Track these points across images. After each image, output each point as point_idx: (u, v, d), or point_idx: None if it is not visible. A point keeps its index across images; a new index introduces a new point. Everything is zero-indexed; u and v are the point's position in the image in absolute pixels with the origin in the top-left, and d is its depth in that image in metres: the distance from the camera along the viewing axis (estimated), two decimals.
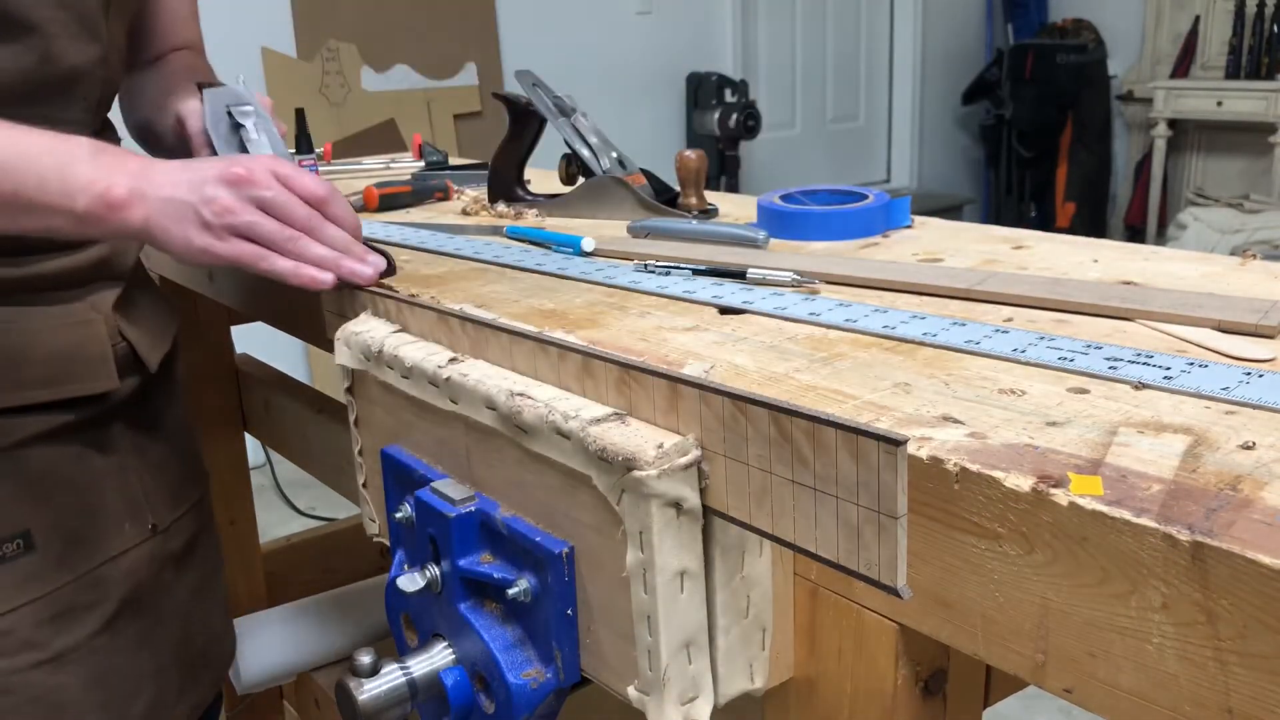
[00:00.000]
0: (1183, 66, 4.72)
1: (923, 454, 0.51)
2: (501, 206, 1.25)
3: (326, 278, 0.78)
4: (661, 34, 4.06)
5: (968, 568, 0.50)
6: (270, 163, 0.78)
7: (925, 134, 5.13)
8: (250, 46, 3.10)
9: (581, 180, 1.19)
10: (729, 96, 4.10)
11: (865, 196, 1.02)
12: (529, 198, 1.23)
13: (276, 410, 1.41)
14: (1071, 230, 3.85)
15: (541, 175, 1.43)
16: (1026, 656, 0.48)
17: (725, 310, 0.76)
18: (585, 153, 1.19)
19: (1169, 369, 0.60)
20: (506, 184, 1.23)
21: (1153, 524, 0.42)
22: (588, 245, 1.01)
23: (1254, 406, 0.54)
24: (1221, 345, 0.64)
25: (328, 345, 0.86)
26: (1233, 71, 4.49)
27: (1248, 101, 4.39)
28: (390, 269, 0.83)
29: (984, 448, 0.51)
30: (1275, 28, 4.38)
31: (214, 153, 0.91)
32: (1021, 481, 0.47)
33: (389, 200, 1.31)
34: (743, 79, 4.22)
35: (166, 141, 1.01)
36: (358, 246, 0.81)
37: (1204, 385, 0.56)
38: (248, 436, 1.57)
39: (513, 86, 1.38)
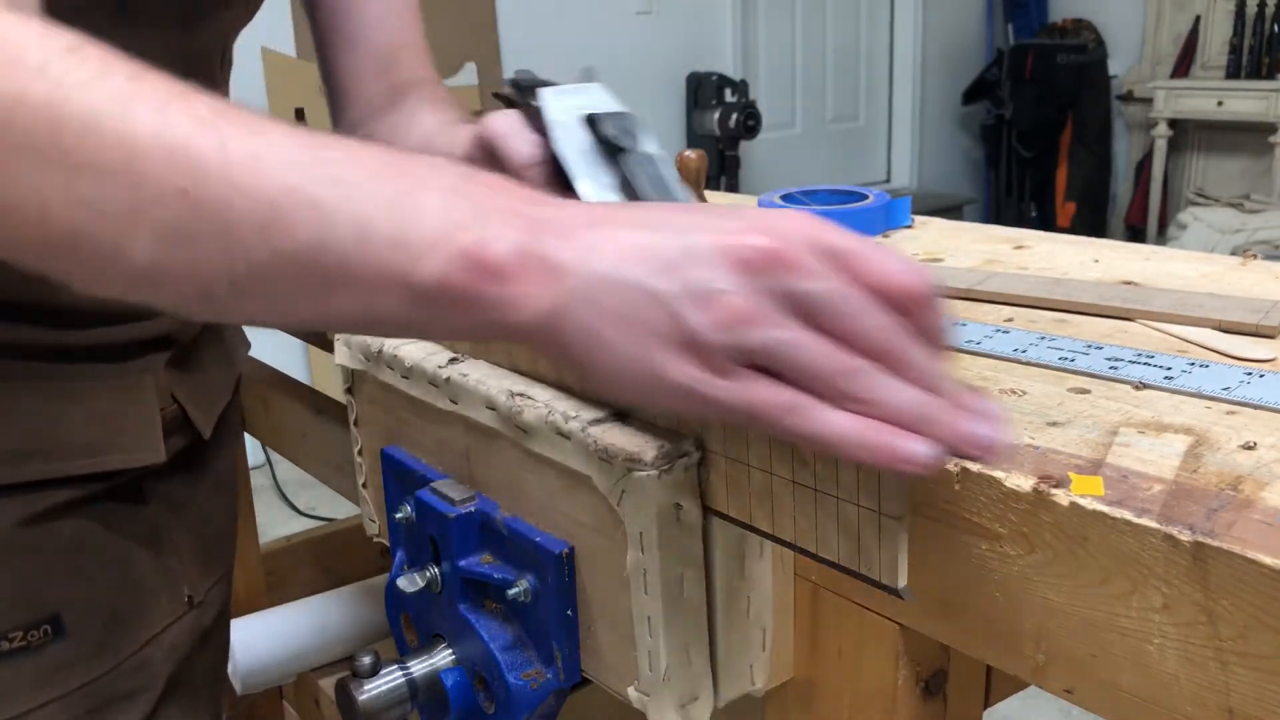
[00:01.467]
0: (1183, 66, 4.72)
1: None
2: None
3: (919, 452, 0.40)
4: (661, 34, 4.06)
5: (968, 568, 0.50)
6: (813, 225, 0.41)
7: (925, 134, 5.13)
8: (250, 46, 3.09)
9: None
10: (729, 96, 4.10)
11: (865, 196, 1.02)
12: None
13: (276, 410, 1.41)
14: (1072, 230, 3.85)
15: None
16: (1027, 657, 0.48)
17: None
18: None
19: (1169, 369, 0.60)
20: None
21: (1154, 524, 0.42)
22: None
23: (1255, 406, 0.54)
24: (1222, 345, 0.64)
25: (327, 345, 0.86)
26: (1233, 71, 4.49)
27: (1248, 101, 4.39)
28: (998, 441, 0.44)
29: None
30: (1275, 28, 4.38)
31: (570, 192, 0.59)
32: (1022, 481, 0.47)
33: None
34: (743, 79, 4.22)
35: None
36: (959, 387, 0.42)
37: (1205, 385, 0.56)
38: (248, 436, 1.57)
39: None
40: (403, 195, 0.41)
